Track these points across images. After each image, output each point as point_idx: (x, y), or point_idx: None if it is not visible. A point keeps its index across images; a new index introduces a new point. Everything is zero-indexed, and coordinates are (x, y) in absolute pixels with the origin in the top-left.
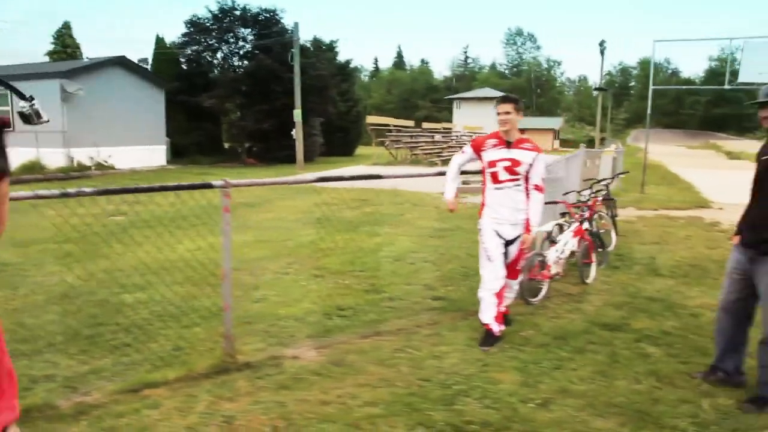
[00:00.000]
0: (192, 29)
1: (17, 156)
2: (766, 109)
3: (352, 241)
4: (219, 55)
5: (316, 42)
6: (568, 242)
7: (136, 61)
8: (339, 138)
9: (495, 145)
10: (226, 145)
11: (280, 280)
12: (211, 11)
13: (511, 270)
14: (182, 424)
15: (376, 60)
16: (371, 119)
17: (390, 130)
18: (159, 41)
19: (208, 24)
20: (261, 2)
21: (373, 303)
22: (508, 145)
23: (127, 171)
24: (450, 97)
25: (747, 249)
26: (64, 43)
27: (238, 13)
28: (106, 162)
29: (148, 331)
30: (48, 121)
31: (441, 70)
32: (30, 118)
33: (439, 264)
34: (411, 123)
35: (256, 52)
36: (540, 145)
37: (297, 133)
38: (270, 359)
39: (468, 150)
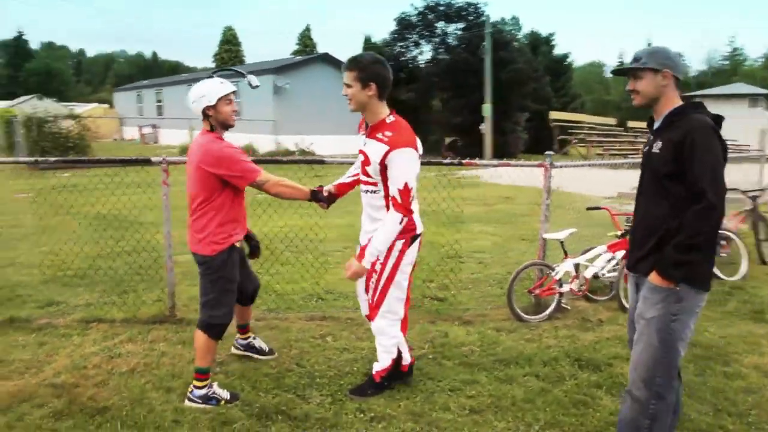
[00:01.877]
0: (399, 26)
1: (234, 140)
2: (634, 79)
3: (427, 234)
4: (422, 49)
5: (533, 35)
6: (600, 257)
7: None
8: (549, 135)
9: (362, 131)
10: (434, 138)
11: (315, 262)
12: (416, 8)
13: (370, 307)
14: (83, 351)
15: (620, 55)
16: (556, 115)
17: (581, 128)
18: (367, 40)
19: (414, 20)
20: None
21: None
22: (367, 132)
23: (326, 156)
24: (688, 94)
25: (631, 272)
26: (305, 43)
27: (442, 8)
28: (308, 148)
29: (152, 281)
30: (259, 85)
31: (696, 64)
32: (250, 85)
33: (491, 266)
34: (612, 121)
35: (462, 45)
36: None
37: (486, 128)
38: None
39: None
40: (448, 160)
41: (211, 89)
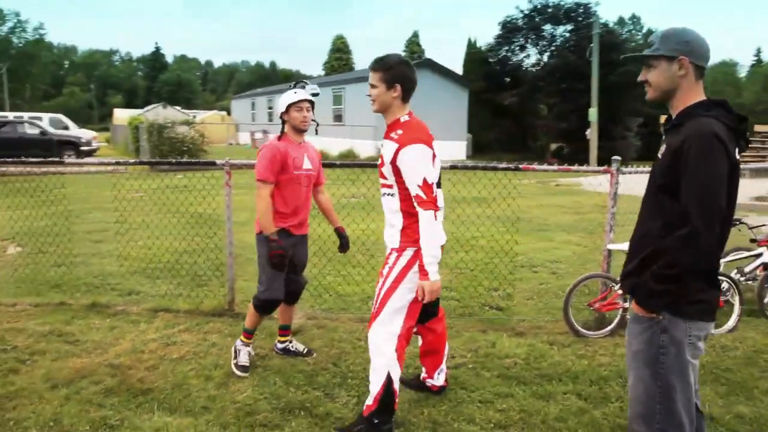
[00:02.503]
0: (504, 30)
1: (337, 145)
2: (646, 68)
3: (502, 242)
4: (528, 53)
5: (650, 35)
6: None
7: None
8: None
9: None
10: (539, 144)
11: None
12: (522, 11)
13: (371, 315)
14: (144, 337)
15: (758, 51)
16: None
17: None
18: (471, 45)
19: (519, 24)
20: None
21: None
22: (385, 133)
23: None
24: None
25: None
26: (412, 50)
27: (550, 10)
28: None
29: (226, 277)
30: (318, 93)
31: None
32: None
33: (564, 277)
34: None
35: (571, 48)
36: None
37: (591, 134)
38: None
39: None
40: (503, 165)
41: (284, 98)
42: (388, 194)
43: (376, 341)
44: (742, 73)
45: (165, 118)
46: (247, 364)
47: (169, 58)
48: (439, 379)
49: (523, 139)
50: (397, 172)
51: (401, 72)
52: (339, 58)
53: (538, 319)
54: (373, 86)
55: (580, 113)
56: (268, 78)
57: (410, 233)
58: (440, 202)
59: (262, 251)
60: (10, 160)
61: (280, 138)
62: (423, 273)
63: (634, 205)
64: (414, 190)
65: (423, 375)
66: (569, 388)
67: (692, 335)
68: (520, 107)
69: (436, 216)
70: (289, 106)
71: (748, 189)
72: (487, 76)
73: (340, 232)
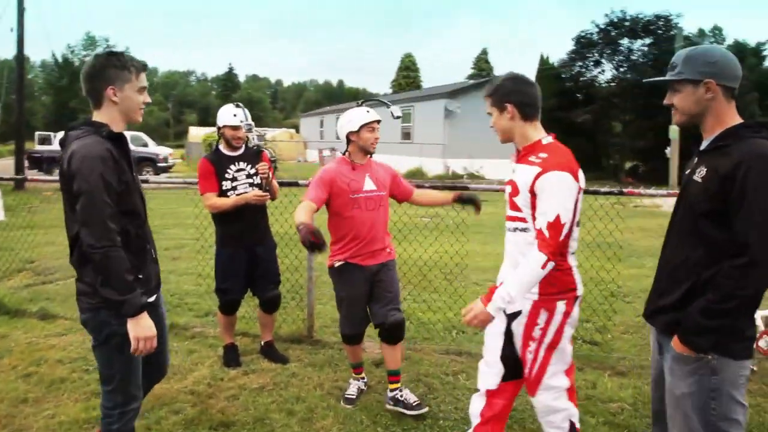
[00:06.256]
0: (578, 45)
1: (405, 163)
2: (671, 92)
3: (587, 268)
4: (602, 68)
5: (738, 46)
6: None
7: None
8: None
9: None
10: (613, 163)
11: (464, 291)
12: (597, 25)
13: (527, 381)
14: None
15: None
16: None
17: None
18: (543, 60)
19: (594, 38)
20: (657, 8)
21: None
22: (518, 157)
23: (495, 181)
24: None
25: (648, 322)
26: (480, 67)
27: (627, 23)
28: (477, 172)
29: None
30: (401, 116)
31: None
32: (392, 115)
33: None
34: None
35: (649, 62)
36: None
37: (672, 152)
38: (336, 343)
39: None
40: (605, 189)
41: (356, 117)
42: (519, 229)
43: (550, 404)
44: None
45: None
46: (353, 396)
47: (242, 78)
48: None
49: (595, 157)
50: (534, 201)
51: (507, 89)
52: (407, 76)
53: (640, 358)
54: (489, 114)
55: (658, 131)
56: (336, 96)
57: (556, 278)
58: (573, 246)
59: (335, 286)
60: None
61: (345, 161)
62: (488, 298)
63: None
64: (540, 223)
65: None
66: None
67: (741, 374)
68: (593, 125)
69: (546, 265)
70: (361, 126)
71: None
72: (558, 93)
73: (462, 199)
